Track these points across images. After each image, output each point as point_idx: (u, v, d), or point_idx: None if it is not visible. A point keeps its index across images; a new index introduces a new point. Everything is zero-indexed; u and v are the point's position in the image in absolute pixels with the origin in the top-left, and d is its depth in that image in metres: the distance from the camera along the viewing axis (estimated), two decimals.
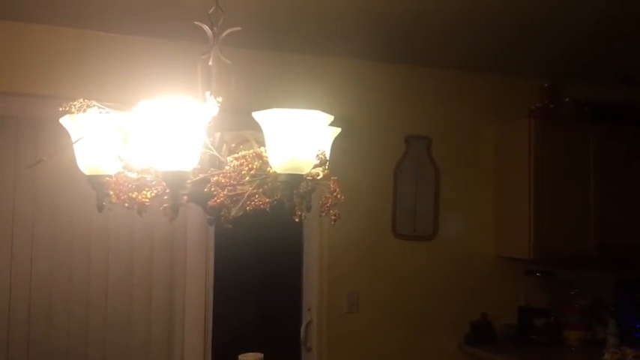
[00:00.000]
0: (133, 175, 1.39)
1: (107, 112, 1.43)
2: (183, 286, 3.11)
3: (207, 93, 1.51)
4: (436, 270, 3.53)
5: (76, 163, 1.50)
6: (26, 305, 2.86)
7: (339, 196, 1.45)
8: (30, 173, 2.81)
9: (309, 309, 3.39)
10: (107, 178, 1.42)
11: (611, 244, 3.50)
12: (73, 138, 1.45)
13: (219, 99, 1.47)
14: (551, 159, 3.43)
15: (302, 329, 3.37)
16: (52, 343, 2.89)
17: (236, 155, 1.37)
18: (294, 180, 1.30)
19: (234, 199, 1.32)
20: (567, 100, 3.64)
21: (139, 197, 1.36)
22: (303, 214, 1.41)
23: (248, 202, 1.32)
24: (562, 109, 3.62)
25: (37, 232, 2.89)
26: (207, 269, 3.17)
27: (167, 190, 1.31)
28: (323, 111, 1.32)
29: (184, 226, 3.09)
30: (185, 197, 1.36)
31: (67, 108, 1.45)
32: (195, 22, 1.63)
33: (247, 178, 1.33)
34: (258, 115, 1.31)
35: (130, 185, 1.37)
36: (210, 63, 1.59)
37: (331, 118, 1.35)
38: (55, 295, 2.91)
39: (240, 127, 1.54)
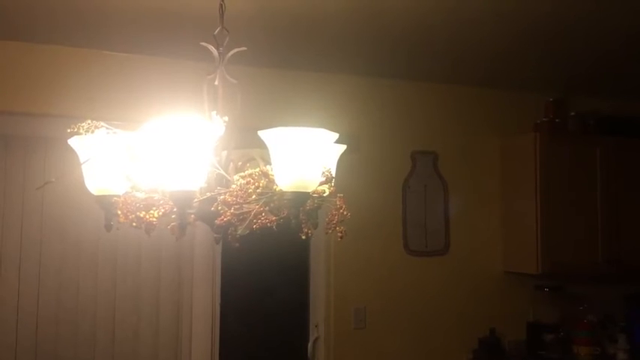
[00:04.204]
0: (141, 195, 1.40)
1: (114, 133, 1.45)
2: (190, 303, 3.11)
3: (214, 112, 1.52)
4: (444, 285, 3.51)
5: (83, 182, 1.51)
6: (34, 321, 2.87)
7: (345, 212, 1.46)
8: (38, 192, 2.82)
9: (316, 325, 3.38)
10: (115, 198, 1.43)
11: (620, 258, 3.48)
12: (82, 159, 1.46)
13: (226, 118, 1.49)
14: (558, 173, 3.43)
15: (309, 345, 3.36)
16: (59, 359, 2.89)
17: (242, 174, 1.38)
18: (300, 197, 1.31)
19: (241, 217, 1.33)
20: (573, 114, 3.65)
21: (147, 217, 1.37)
22: (309, 231, 1.41)
23: (255, 221, 1.33)
24: (568, 123, 3.63)
25: (44, 250, 2.91)
26: (214, 287, 3.17)
27: (174, 209, 1.32)
28: (329, 128, 1.33)
29: (191, 244, 3.10)
30: (192, 216, 1.37)
31: (75, 129, 1.46)
32: (201, 43, 1.65)
33: (254, 197, 1.33)
34: (263, 134, 1.33)
35: (138, 205, 1.38)
36: (216, 83, 1.61)
37: (336, 136, 1.36)
38: (63, 312, 2.92)
39: (247, 145, 1.55)
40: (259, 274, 3.60)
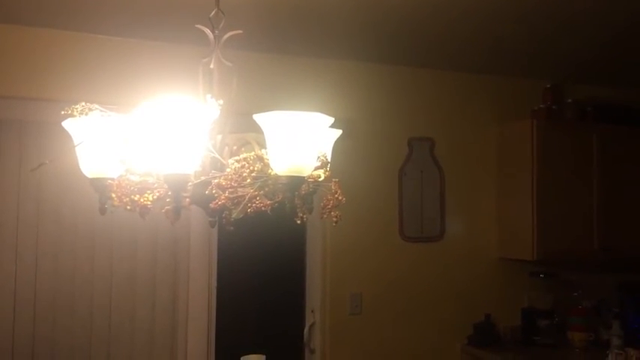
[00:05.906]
0: (135, 178, 1.39)
1: (109, 115, 1.44)
2: (187, 287, 3.12)
3: (209, 96, 1.51)
4: (439, 271, 3.53)
5: (78, 166, 1.50)
6: (31, 306, 2.87)
7: (340, 197, 1.46)
8: (34, 176, 2.82)
9: (312, 311, 3.39)
10: (109, 181, 1.43)
11: (615, 245, 3.49)
12: (75, 141, 1.45)
13: (221, 102, 1.48)
14: (555, 160, 3.42)
15: (305, 331, 3.38)
16: (56, 344, 2.90)
17: (237, 157, 1.37)
18: (295, 182, 1.31)
19: (236, 201, 1.32)
20: (570, 100, 3.64)
21: (141, 200, 1.36)
22: (304, 216, 1.41)
23: (249, 205, 1.32)
24: (565, 110, 3.62)
25: (41, 234, 2.90)
26: (210, 271, 3.17)
27: (169, 193, 1.31)
28: (325, 113, 1.32)
29: (188, 229, 3.10)
30: (187, 199, 1.37)
31: (70, 111, 1.45)
32: (197, 26, 1.63)
33: (248, 181, 1.33)
34: (259, 118, 1.32)
35: (132, 188, 1.37)
36: (211, 66, 1.59)
37: (331, 120, 1.35)
38: (59, 297, 2.92)
39: (242, 129, 1.54)
40: (256, 260, 3.61)
